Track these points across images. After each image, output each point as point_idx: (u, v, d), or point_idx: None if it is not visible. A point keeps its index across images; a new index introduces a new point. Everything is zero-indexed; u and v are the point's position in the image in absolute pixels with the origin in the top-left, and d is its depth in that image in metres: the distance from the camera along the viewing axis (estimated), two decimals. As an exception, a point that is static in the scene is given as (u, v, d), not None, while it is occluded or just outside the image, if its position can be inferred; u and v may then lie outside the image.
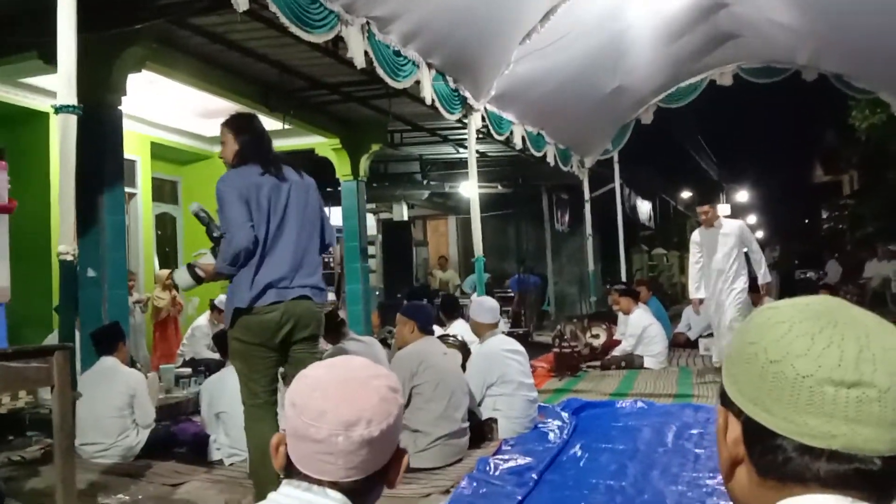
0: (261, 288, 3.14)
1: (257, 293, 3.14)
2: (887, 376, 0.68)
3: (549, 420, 4.91)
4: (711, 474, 3.69)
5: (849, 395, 0.67)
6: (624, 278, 12.13)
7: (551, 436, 4.60)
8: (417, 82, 5.83)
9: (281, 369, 3.34)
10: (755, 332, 0.74)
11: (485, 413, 4.61)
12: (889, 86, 8.87)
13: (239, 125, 3.36)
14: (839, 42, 7.93)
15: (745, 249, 6.91)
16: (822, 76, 9.15)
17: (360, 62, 4.98)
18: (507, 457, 4.09)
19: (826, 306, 0.73)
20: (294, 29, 4.39)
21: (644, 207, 19.40)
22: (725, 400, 0.77)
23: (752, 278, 7.16)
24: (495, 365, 4.70)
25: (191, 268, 3.29)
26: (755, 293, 10.06)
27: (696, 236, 7.14)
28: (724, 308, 6.81)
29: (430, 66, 5.96)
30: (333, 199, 11.13)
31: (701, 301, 7.06)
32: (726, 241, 6.81)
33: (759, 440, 0.72)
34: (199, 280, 3.29)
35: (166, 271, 8.64)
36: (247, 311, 3.15)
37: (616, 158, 11.53)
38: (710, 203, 7.25)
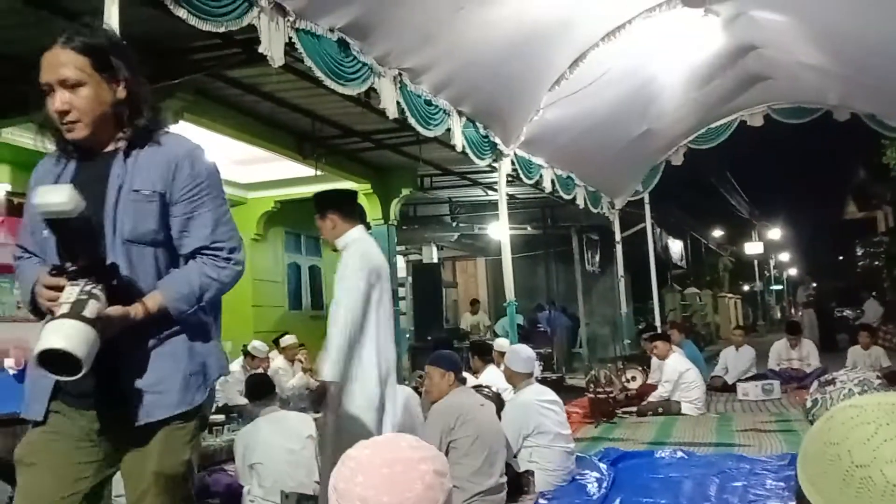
0: None
1: None
2: None
3: (587, 472, 4.80)
4: (759, 532, 3.56)
5: None
6: (658, 319, 11.94)
7: (590, 488, 4.49)
8: (448, 129, 5.88)
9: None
10: (837, 432, 0.71)
11: (521, 465, 4.52)
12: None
13: None
14: (870, 83, 7.86)
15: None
16: (853, 115, 9.08)
17: (392, 112, 5.05)
18: (545, 511, 3.99)
19: None
20: (328, 82, 4.47)
21: (675, 247, 19.22)
22: (803, 501, 0.73)
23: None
24: (531, 416, 4.62)
25: None
26: (792, 334, 9.78)
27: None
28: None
29: (460, 113, 6.02)
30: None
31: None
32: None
33: None
34: None
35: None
36: None
37: (646, 199, 11.45)
38: None
